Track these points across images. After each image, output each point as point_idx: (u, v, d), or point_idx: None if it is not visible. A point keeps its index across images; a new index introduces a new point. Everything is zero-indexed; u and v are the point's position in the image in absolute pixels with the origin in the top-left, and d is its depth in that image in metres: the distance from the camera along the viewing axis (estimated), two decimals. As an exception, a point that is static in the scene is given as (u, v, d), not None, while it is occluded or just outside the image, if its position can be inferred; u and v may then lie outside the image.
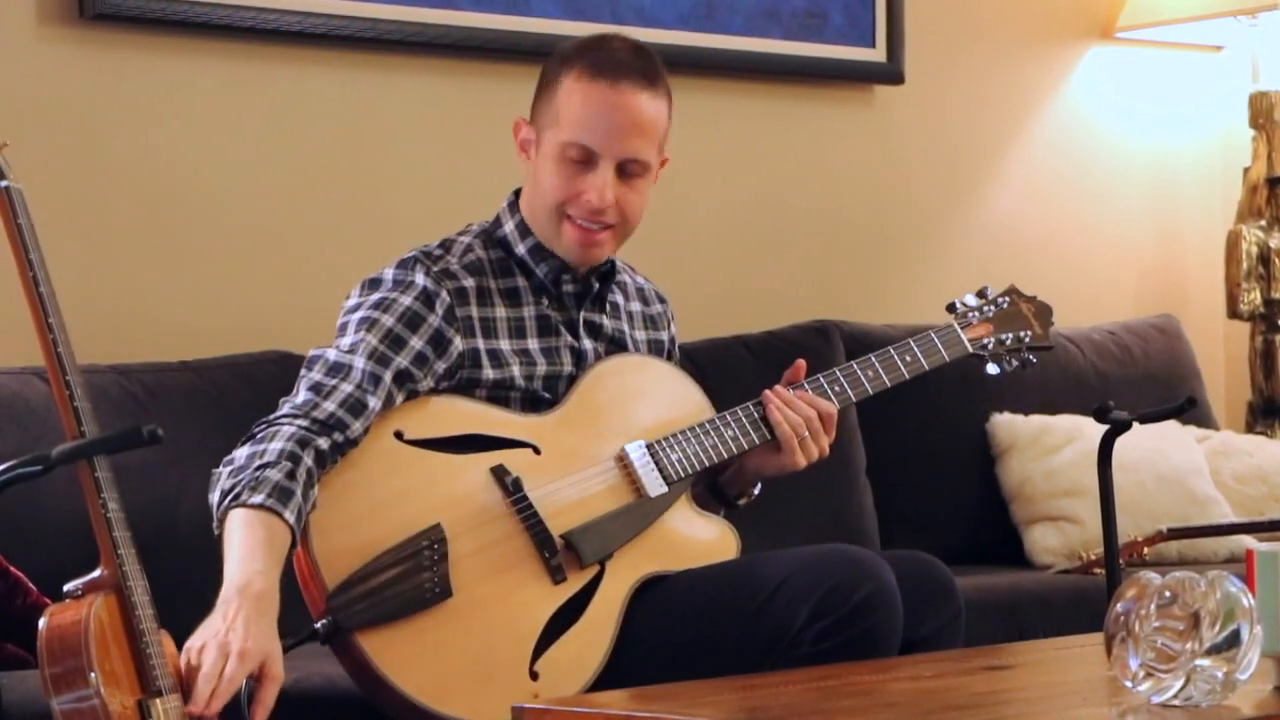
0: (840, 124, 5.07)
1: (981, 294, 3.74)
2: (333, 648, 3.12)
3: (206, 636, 2.88)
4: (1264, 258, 5.38)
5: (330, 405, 3.16)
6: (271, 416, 3.17)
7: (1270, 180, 5.40)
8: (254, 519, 3.00)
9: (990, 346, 3.69)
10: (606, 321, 3.49)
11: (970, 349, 3.67)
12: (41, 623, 2.79)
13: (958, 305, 3.73)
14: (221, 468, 3.10)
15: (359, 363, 3.22)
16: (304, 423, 3.13)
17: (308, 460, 3.08)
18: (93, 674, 2.73)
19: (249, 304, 4.27)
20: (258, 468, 3.05)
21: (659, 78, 3.40)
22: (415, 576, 3.12)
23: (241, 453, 3.10)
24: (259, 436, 3.12)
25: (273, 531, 3.00)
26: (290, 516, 3.01)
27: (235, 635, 2.87)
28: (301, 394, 3.19)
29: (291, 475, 3.04)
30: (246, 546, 2.98)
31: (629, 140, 3.35)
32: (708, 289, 4.76)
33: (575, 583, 3.23)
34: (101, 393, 3.67)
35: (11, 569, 3.33)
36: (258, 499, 3.01)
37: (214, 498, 3.08)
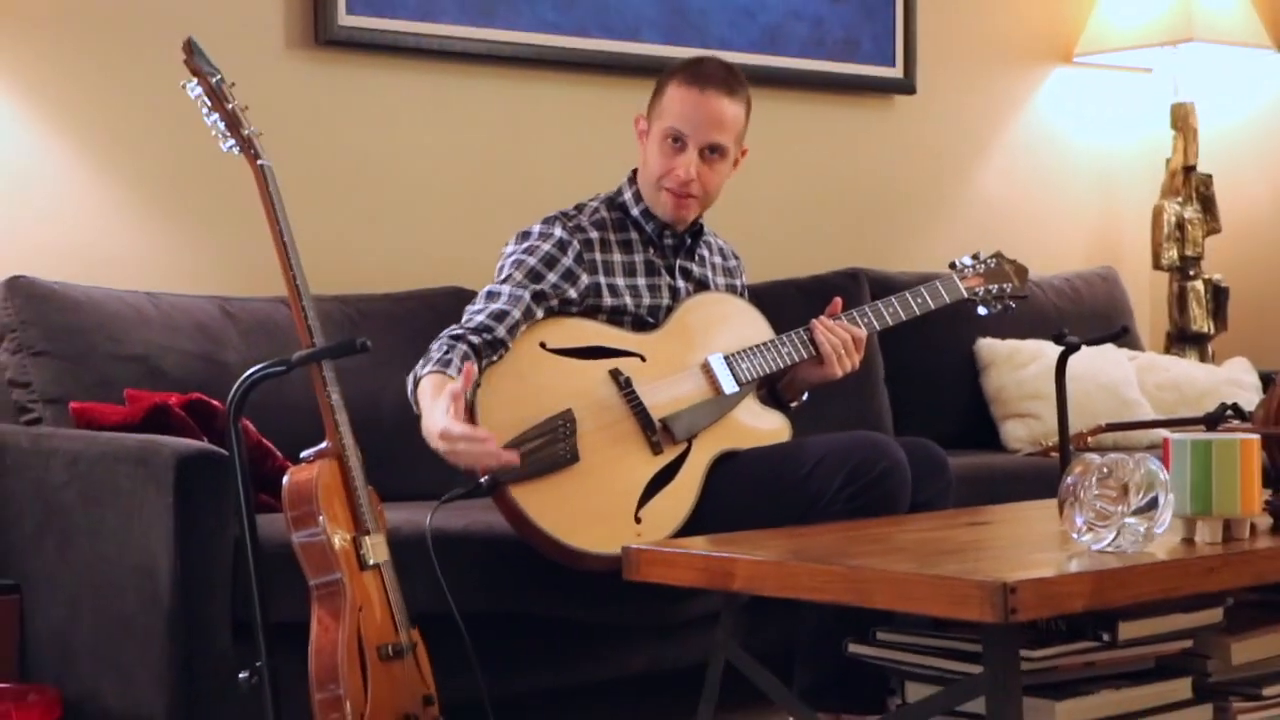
0: (869, 124, 5.03)
1: (975, 256, 3.71)
2: (493, 498, 3.14)
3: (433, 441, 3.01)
4: (1180, 225, 5.31)
5: (480, 316, 3.22)
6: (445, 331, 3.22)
7: (1185, 168, 5.33)
8: (427, 380, 3.09)
9: (981, 294, 3.66)
10: (695, 269, 3.48)
11: (966, 295, 3.64)
12: (284, 479, 2.83)
13: (957, 263, 3.70)
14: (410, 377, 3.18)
15: (505, 289, 3.26)
16: (459, 331, 3.19)
17: (461, 346, 3.14)
18: (321, 517, 2.78)
19: (432, 252, 4.26)
20: (426, 360, 3.13)
21: (740, 88, 3.40)
22: (553, 446, 3.13)
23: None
24: (433, 347, 3.17)
25: (442, 380, 3.08)
26: (452, 371, 3.08)
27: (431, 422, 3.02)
28: (465, 314, 3.25)
29: (448, 352, 3.12)
30: (429, 396, 3.06)
31: (711, 131, 3.35)
32: (769, 243, 4.73)
33: (669, 454, 3.23)
34: (327, 315, 3.69)
35: (264, 440, 3.35)
36: (426, 370, 3.11)
37: (409, 391, 3.15)
